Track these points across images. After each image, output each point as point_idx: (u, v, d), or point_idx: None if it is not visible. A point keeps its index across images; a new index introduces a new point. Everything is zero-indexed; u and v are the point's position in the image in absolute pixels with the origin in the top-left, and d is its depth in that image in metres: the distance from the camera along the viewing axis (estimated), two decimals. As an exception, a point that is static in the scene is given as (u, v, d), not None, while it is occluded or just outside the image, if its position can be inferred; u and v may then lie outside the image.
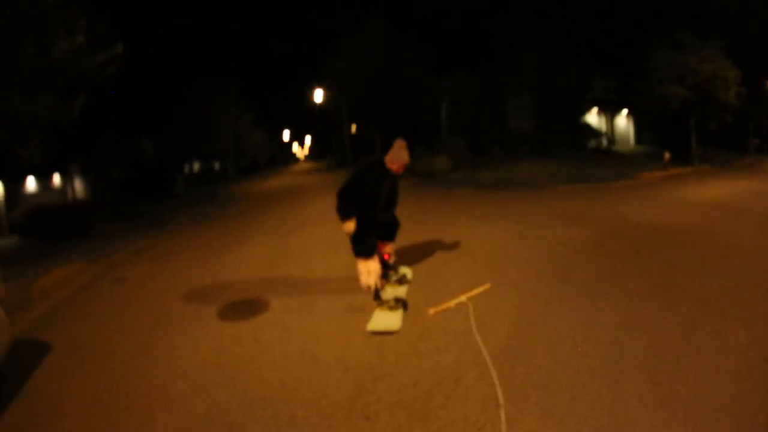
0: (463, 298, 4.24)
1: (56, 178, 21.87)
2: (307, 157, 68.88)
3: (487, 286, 4.60)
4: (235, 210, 14.89)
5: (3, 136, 7.13)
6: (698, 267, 4.87)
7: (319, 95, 25.50)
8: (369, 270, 4.10)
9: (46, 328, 5.08)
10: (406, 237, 6.19)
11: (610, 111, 30.46)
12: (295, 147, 72.46)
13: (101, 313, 5.61)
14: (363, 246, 4.10)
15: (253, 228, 10.25)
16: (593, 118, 27.98)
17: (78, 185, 23.24)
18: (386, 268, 4.64)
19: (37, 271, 8.51)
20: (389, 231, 4.58)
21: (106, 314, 5.53)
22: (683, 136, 20.63)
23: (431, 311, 4.07)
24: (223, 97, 25.03)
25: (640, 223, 7.48)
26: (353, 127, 27.60)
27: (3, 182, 17.29)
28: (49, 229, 12.24)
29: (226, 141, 26.09)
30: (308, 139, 67.00)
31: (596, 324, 3.51)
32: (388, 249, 4.64)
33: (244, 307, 4.84)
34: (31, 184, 20.29)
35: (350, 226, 4.00)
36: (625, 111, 31.81)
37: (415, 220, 8.21)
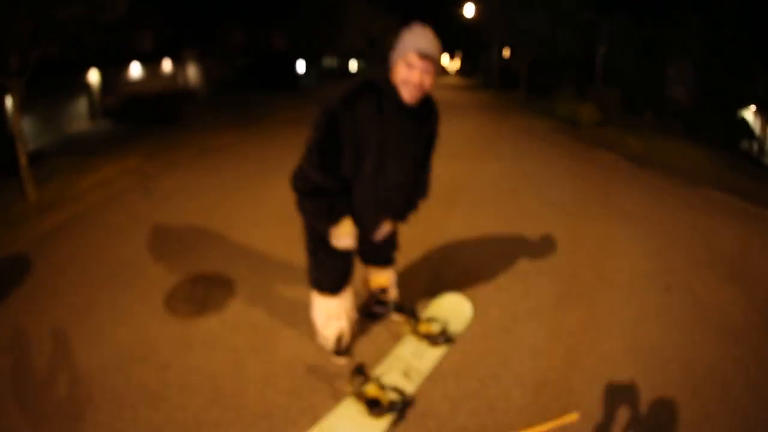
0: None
1: (166, 65, 21.93)
2: (457, 72, 68.58)
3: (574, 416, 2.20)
4: None
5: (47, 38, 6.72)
6: None
7: (469, 10, 25.38)
8: (331, 314, 2.26)
9: (39, 247, 4.80)
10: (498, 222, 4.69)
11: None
12: (445, 60, 74.48)
13: (96, 237, 5.02)
14: (324, 266, 2.15)
15: None
16: (749, 116, 23.32)
17: (192, 72, 23.80)
18: (377, 312, 2.71)
19: (86, 167, 8.82)
20: (388, 244, 2.40)
21: (98, 240, 4.89)
22: None
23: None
24: None
25: None
26: (505, 52, 26.52)
27: (102, 68, 18.16)
28: (139, 115, 12.97)
29: (358, 41, 26.75)
30: (458, 55, 67.89)
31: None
32: (384, 279, 2.51)
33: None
34: (135, 70, 21.17)
35: (345, 231, 1.96)
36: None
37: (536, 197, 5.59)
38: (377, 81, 1.88)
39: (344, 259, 2.14)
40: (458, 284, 3.27)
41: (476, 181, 5.86)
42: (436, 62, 1.80)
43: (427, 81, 1.83)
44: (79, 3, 6.64)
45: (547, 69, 20.72)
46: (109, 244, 4.84)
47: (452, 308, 2.85)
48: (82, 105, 18.16)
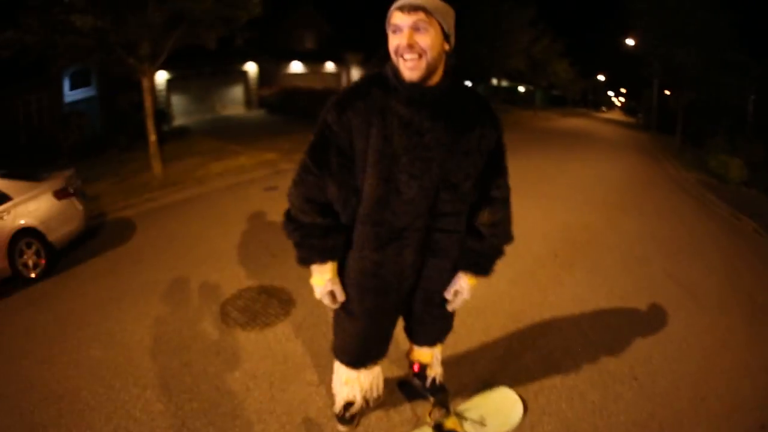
0: None
1: (329, 65, 25.97)
2: (621, 108, 70.08)
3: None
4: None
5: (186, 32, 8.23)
6: None
7: (631, 42, 25.46)
8: (347, 382, 1.98)
9: (147, 218, 6.17)
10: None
11: None
12: (611, 94, 76.27)
13: (201, 222, 5.92)
14: (343, 330, 1.85)
15: None
16: None
17: (356, 74, 27.27)
18: (413, 384, 2.31)
19: (226, 152, 10.34)
20: (437, 320, 1.94)
21: (201, 226, 5.74)
22: None
23: None
24: (518, 15, 25.48)
25: None
26: (666, 91, 26.21)
27: (260, 61, 21.41)
28: (293, 109, 14.79)
29: (519, 61, 26.96)
30: (623, 89, 67.96)
31: None
32: (426, 356, 2.12)
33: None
34: (296, 66, 24.40)
35: (317, 280, 1.71)
36: None
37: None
38: (386, 73, 1.55)
39: (372, 325, 1.76)
40: (524, 376, 2.65)
41: (606, 239, 5.09)
42: (430, 14, 1.40)
43: (425, 41, 1.40)
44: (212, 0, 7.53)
45: (703, 113, 20.35)
46: (208, 233, 5.44)
47: (497, 407, 2.34)
48: (238, 92, 21.47)
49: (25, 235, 4.79)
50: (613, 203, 6.98)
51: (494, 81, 32.05)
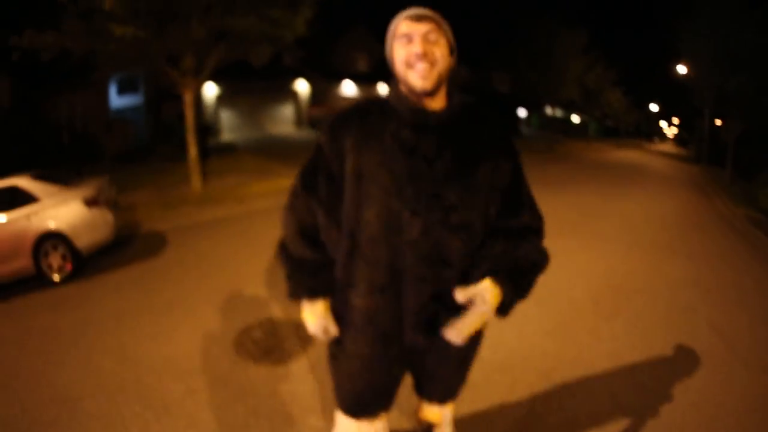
0: None
1: (381, 88, 27.37)
2: (672, 140, 71.70)
3: None
4: (547, 170, 14.51)
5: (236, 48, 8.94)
6: None
7: (682, 68, 25.91)
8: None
9: (180, 233, 6.53)
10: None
11: None
12: (664, 124, 78.04)
13: (231, 244, 6.20)
14: (340, 370, 1.68)
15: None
16: None
17: None
18: None
19: (269, 171, 10.74)
20: (449, 372, 1.76)
21: (231, 248, 6.02)
22: None
23: None
24: (570, 42, 26.29)
25: None
26: (717, 122, 26.54)
27: (311, 81, 22.40)
28: None
29: (572, 90, 27.59)
30: (675, 120, 70.38)
31: None
32: (435, 415, 1.92)
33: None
34: (348, 87, 25.47)
35: (307, 315, 1.61)
36: None
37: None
38: (381, 97, 1.55)
39: (369, 373, 1.61)
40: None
41: (650, 286, 4.87)
42: (440, 26, 1.43)
43: (437, 52, 1.41)
44: (254, 17, 8.13)
45: (755, 144, 20.15)
46: (239, 255, 5.67)
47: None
48: (288, 111, 22.44)
49: (52, 238, 5.21)
50: (661, 245, 6.83)
51: (548, 110, 32.99)
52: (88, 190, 5.68)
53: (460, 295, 1.41)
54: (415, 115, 1.45)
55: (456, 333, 1.42)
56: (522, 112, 34.74)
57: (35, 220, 5.18)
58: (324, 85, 23.58)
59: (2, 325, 4.30)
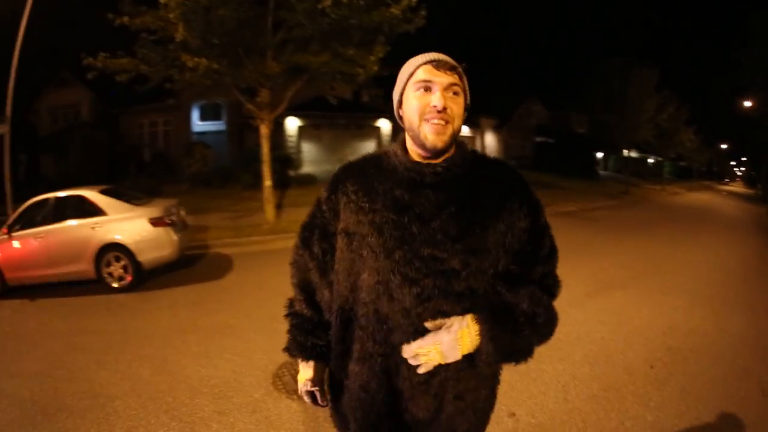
0: None
1: (463, 129, 28.71)
2: (741, 179, 75.28)
3: None
4: (622, 215, 14.62)
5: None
6: None
7: (747, 104, 26.72)
8: None
9: (246, 259, 7.15)
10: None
11: None
12: (733, 163, 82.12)
13: (283, 277, 6.58)
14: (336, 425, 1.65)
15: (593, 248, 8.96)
16: None
17: (490, 140, 30.96)
18: None
19: None
20: None
21: (286, 279, 6.41)
22: None
23: None
24: (641, 80, 26.94)
25: None
26: None
27: (392, 119, 23.38)
28: None
29: (646, 131, 28.37)
30: (743, 158, 73.40)
31: None
32: None
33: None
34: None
35: (302, 378, 1.58)
36: None
37: None
38: (386, 150, 1.53)
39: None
40: None
41: (710, 347, 4.50)
42: (462, 80, 1.38)
43: (456, 109, 1.35)
44: (328, 55, 8.80)
45: None
46: None
47: None
48: (370, 147, 23.17)
49: (115, 249, 6.02)
50: (725, 299, 6.53)
51: (624, 152, 33.12)
52: (155, 209, 6.39)
53: (431, 324, 1.34)
54: (411, 170, 1.39)
55: (407, 349, 1.33)
56: (599, 154, 36.49)
57: (100, 231, 6.01)
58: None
59: (56, 320, 4.97)
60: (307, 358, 1.54)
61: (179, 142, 20.19)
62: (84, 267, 5.93)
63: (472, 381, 1.40)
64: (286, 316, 1.63)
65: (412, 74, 1.37)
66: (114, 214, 6.10)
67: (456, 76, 1.35)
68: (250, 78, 9.10)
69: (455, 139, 1.38)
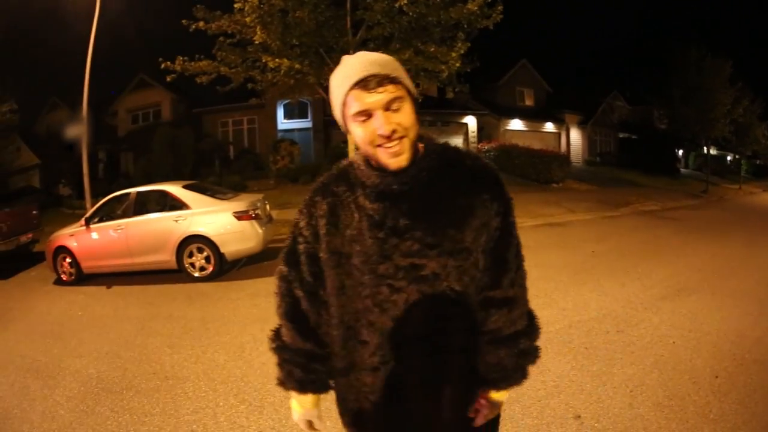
0: None
1: (548, 125, 28.70)
2: None
3: None
4: (700, 216, 14.30)
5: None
6: None
7: None
8: None
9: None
10: None
11: None
12: None
13: None
14: None
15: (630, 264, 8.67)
16: None
17: (575, 137, 30.37)
18: None
19: None
20: None
21: None
22: None
23: None
24: (717, 71, 25.78)
25: None
26: None
27: (479, 116, 23.19)
28: (507, 166, 18.30)
29: (723, 126, 27.24)
30: None
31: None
32: None
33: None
34: (516, 124, 26.36)
35: (298, 408, 1.58)
36: None
37: None
38: (352, 161, 1.47)
39: None
40: None
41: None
42: (398, 81, 1.27)
43: (404, 119, 1.27)
44: (410, 53, 8.81)
45: None
46: None
47: None
48: (457, 143, 23.44)
49: (199, 241, 6.21)
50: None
51: (705, 149, 31.92)
52: (239, 204, 6.55)
53: (472, 411, 1.49)
54: (378, 184, 1.34)
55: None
56: (680, 151, 35.94)
57: (183, 223, 6.22)
58: (493, 120, 24.31)
59: (133, 306, 5.22)
60: (305, 392, 1.52)
61: (265, 140, 20.92)
62: (165, 257, 6.20)
63: (472, 388, 1.49)
64: (274, 349, 1.55)
65: (344, 104, 1.30)
66: (198, 208, 6.29)
67: (391, 85, 1.25)
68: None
69: (416, 144, 1.33)
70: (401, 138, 1.25)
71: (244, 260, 6.63)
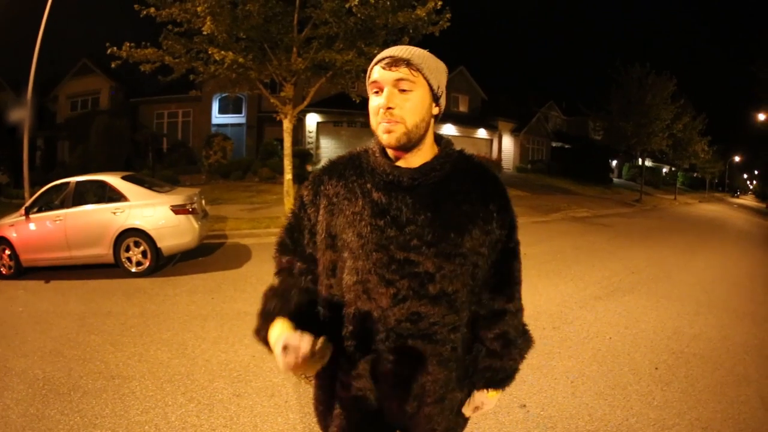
0: None
1: (481, 132, 29.36)
2: (752, 192, 77.44)
3: None
4: (633, 224, 14.65)
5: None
6: None
7: (761, 117, 26.76)
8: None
9: (265, 250, 6.99)
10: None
11: None
12: (745, 176, 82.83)
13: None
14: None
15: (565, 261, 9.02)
16: None
17: (507, 144, 31.16)
18: None
19: None
20: None
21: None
22: None
23: None
24: (660, 88, 27.13)
25: None
26: None
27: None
28: None
29: (662, 140, 28.50)
30: (756, 171, 73.36)
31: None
32: None
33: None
34: (448, 129, 26.82)
35: (273, 336, 1.26)
36: None
37: None
38: (366, 148, 1.50)
39: None
40: None
41: (712, 353, 4.99)
42: (417, 69, 1.32)
43: (407, 104, 1.31)
44: (353, 53, 8.85)
45: None
46: None
47: None
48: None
49: (135, 234, 5.99)
50: (729, 308, 6.75)
51: (639, 161, 33.84)
52: (177, 197, 6.34)
53: (467, 409, 1.55)
54: (388, 173, 1.37)
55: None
56: (613, 162, 37.59)
57: (120, 216, 5.98)
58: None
59: (72, 302, 4.97)
60: (283, 315, 1.32)
61: (199, 133, 20.37)
62: (102, 251, 5.94)
63: (451, 384, 1.45)
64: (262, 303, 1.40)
65: (368, 75, 1.36)
66: (137, 200, 6.06)
67: (405, 69, 1.30)
68: (275, 73, 9.15)
69: (415, 137, 1.35)
70: (398, 120, 1.29)
71: (178, 256, 6.47)
